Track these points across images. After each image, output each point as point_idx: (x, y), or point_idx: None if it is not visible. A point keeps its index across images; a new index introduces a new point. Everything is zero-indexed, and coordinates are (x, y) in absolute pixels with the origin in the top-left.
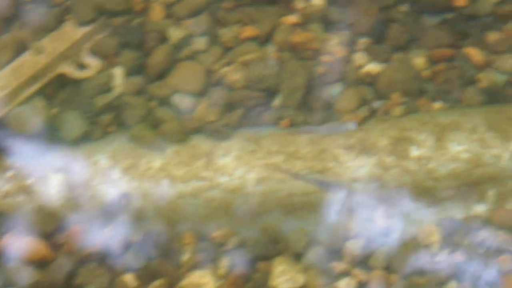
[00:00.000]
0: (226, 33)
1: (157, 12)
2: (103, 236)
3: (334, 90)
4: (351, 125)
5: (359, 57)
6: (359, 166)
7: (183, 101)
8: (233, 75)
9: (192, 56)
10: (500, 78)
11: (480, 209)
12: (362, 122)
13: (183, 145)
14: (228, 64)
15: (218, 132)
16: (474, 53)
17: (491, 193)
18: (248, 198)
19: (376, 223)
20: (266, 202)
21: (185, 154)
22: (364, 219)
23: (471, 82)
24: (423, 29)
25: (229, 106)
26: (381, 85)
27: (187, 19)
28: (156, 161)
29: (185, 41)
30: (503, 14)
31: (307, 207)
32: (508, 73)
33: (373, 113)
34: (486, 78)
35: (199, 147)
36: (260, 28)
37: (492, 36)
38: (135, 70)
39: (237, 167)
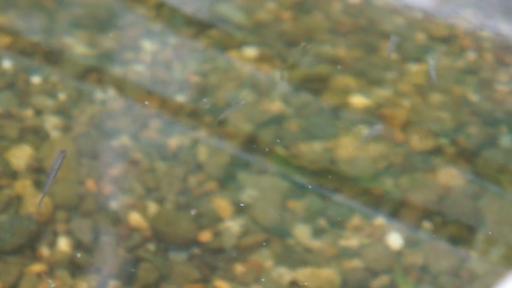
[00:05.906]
0: None
1: None
2: None
3: None
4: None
5: None
6: None
7: None
8: None
9: None
10: None
11: None
12: None
13: None
14: None
15: None
16: (224, 286)
17: None
18: None
19: None
20: None
21: None
22: None
23: None
24: (172, 265)
25: None
26: None
27: None
28: None
29: None
30: (247, 246)
31: None
32: None
33: None
34: None
35: None
36: (4, 280)
37: (239, 268)
38: None
39: None
